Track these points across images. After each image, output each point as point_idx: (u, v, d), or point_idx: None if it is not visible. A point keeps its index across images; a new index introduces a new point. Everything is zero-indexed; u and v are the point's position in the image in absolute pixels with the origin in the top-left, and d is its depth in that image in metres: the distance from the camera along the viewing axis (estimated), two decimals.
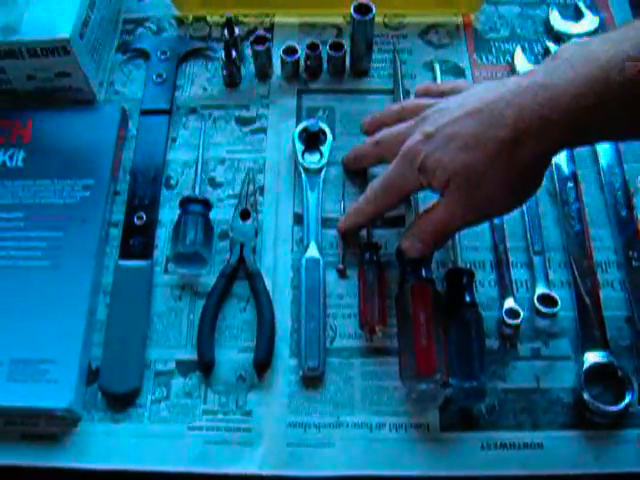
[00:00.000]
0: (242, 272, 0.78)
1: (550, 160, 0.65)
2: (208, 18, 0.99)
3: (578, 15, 0.96)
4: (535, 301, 0.74)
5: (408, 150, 0.69)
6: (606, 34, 0.62)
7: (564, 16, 0.96)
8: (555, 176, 0.83)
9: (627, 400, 0.69)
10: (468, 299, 0.73)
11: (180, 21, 0.99)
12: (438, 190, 0.68)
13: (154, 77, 0.92)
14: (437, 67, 0.92)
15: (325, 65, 0.93)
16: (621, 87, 0.57)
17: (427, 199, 0.81)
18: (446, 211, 0.68)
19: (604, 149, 0.85)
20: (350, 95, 0.91)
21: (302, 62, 0.92)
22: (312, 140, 0.85)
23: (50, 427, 0.71)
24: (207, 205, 0.80)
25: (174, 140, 0.89)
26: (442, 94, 0.74)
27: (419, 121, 0.71)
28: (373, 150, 0.79)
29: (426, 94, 0.79)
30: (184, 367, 0.74)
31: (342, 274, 0.78)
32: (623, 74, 0.56)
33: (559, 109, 0.58)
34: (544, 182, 0.80)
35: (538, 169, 0.65)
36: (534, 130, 0.60)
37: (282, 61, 0.91)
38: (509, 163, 0.62)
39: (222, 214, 0.82)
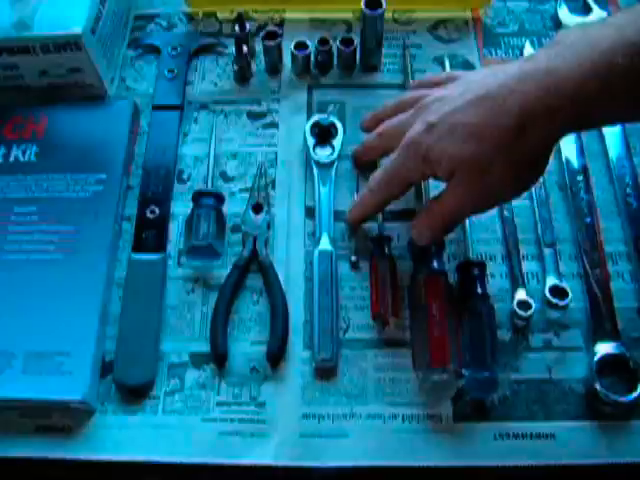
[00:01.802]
0: (255, 265, 0.79)
1: (554, 146, 0.65)
2: (218, 14, 1.00)
3: (586, 10, 0.96)
4: (546, 293, 0.74)
5: (411, 141, 0.68)
6: (607, 18, 0.63)
7: (573, 11, 0.96)
8: (565, 169, 0.83)
9: (638, 391, 0.69)
10: (480, 291, 0.73)
11: (190, 17, 1.00)
12: (444, 179, 0.68)
13: (165, 73, 0.92)
14: (447, 62, 0.92)
15: (335, 60, 0.93)
16: (625, 72, 0.57)
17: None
18: (453, 199, 0.68)
19: (614, 142, 0.85)
20: (360, 90, 0.92)
21: (312, 57, 0.92)
22: (323, 134, 0.85)
23: (64, 419, 0.71)
24: (219, 199, 0.81)
25: (186, 135, 0.89)
26: (437, 84, 0.74)
27: (420, 109, 0.70)
28: (377, 142, 0.79)
29: (421, 86, 0.79)
30: (198, 359, 0.74)
31: (354, 266, 0.78)
32: (627, 59, 0.56)
33: (563, 96, 0.58)
34: (554, 175, 0.82)
35: (542, 155, 0.65)
36: (538, 117, 0.60)
37: (293, 56, 0.91)
38: (514, 151, 0.62)
39: (234, 208, 0.83)
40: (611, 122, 0.70)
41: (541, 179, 0.82)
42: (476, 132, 0.63)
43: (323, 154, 0.84)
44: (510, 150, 0.62)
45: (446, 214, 0.69)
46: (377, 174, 0.75)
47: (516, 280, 0.76)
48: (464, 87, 0.67)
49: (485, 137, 0.62)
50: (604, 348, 0.72)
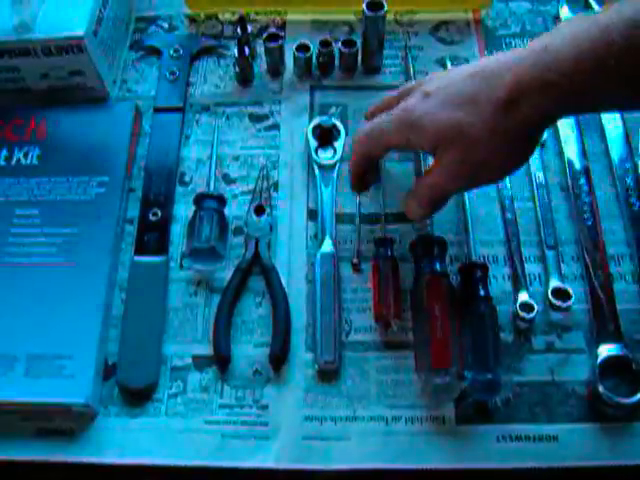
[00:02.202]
0: (257, 267, 0.79)
1: (544, 127, 0.64)
2: (220, 16, 1.00)
3: (588, 10, 0.96)
4: (549, 295, 0.74)
5: (404, 106, 0.68)
6: (608, 4, 0.62)
7: (574, 12, 0.96)
8: (567, 171, 0.83)
9: None
10: (482, 293, 0.73)
11: (192, 19, 1.00)
12: (428, 150, 0.68)
13: (167, 75, 0.93)
14: (448, 63, 0.92)
15: (337, 62, 0.93)
16: (621, 51, 0.56)
17: None
18: (441, 174, 0.67)
19: (616, 144, 0.85)
20: (362, 91, 0.92)
21: (314, 59, 0.92)
22: (325, 136, 0.85)
23: (66, 422, 0.71)
24: (222, 201, 0.81)
25: (187, 137, 0.89)
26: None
27: (419, 84, 0.71)
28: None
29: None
30: (200, 362, 0.74)
31: (356, 268, 0.78)
32: (624, 37, 0.56)
33: (559, 70, 0.58)
34: (556, 177, 0.81)
35: (532, 135, 0.64)
36: (532, 92, 0.59)
37: (294, 58, 0.91)
38: (504, 125, 0.61)
39: (237, 210, 0.83)
40: (606, 106, 0.68)
41: (543, 180, 0.82)
42: (467, 102, 0.63)
43: (325, 156, 0.84)
44: (499, 124, 0.61)
45: (434, 189, 0.69)
46: (363, 126, 0.75)
47: (518, 282, 0.76)
48: (465, 66, 0.68)
49: (475, 107, 0.62)
50: (607, 350, 0.72)
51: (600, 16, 0.58)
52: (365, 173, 0.78)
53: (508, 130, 0.62)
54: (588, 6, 0.96)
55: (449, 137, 0.64)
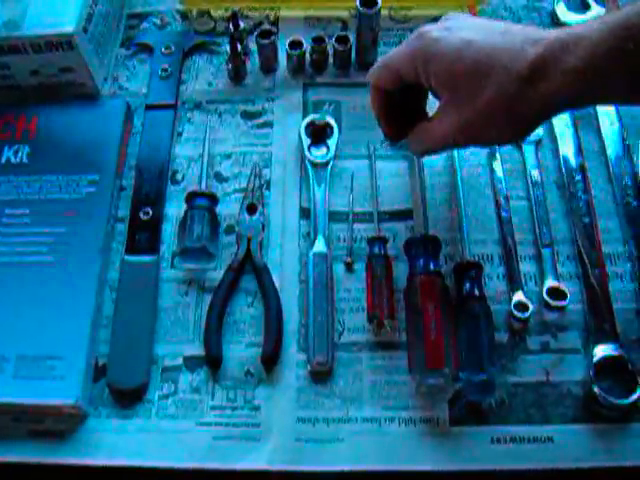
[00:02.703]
0: (249, 267, 0.78)
1: (553, 112, 0.63)
2: (212, 12, 0.99)
3: (584, 7, 0.95)
4: (544, 294, 0.74)
5: (420, 31, 0.65)
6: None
7: (570, 8, 0.95)
8: (563, 168, 0.82)
9: (638, 393, 0.68)
10: (477, 292, 0.72)
11: (184, 15, 0.99)
12: (435, 86, 0.64)
13: (159, 72, 0.92)
14: None
15: (331, 58, 0.92)
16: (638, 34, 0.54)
17: (435, 199, 0.81)
18: (441, 125, 0.65)
19: (612, 141, 0.84)
20: (356, 88, 0.91)
21: (307, 56, 0.91)
22: (318, 134, 0.85)
23: (57, 424, 0.71)
24: (213, 200, 0.80)
25: (179, 135, 0.88)
26: None
27: (444, 20, 0.67)
28: None
29: None
30: (192, 362, 0.73)
31: (349, 268, 0.78)
32: None
33: (578, 54, 0.56)
34: (552, 175, 0.81)
35: (539, 114, 0.61)
36: (550, 72, 0.57)
37: (287, 55, 0.90)
38: (514, 97, 0.59)
39: (228, 209, 0.82)
40: (618, 98, 0.64)
41: (539, 178, 0.81)
42: (483, 61, 0.60)
43: (318, 154, 0.84)
44: (510, 95, 0.59)
45: (435, 139, 0.67)
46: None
47: (513, 281, 0.76)
48: (488, 21, 0.66)
49: (490, 72, 0.59)
50: (602, 350, 0.71)
51: (625, 5, 0.57)
52: (389, 112, 0.74)
53: (518, 103, 0.59)
54: (584, 3, 0.95)
55: (455, 80, 0.62)
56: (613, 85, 0.58)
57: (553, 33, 0.58)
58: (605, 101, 0.72)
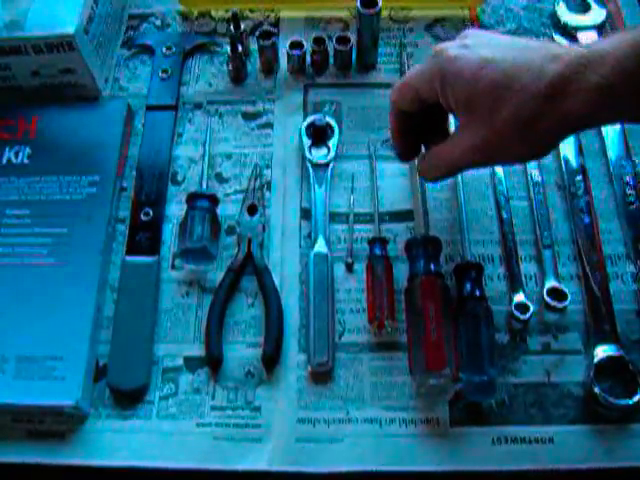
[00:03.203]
0: (250, 267, 0.78)
1: (572, 131, 0.61)
2: (213, 13, 0.99)
3: (585, 7, 0.95)
4: (544, 295, 0.74)
5: (439, 48, 0.63)
6: None
7: (571, 8, 0.95)
8: (564, 169, 0.82)
9: (638, 394, 0.68)
10: (477, 293, 0.72)
11: (185, 16, 0.99)
12: (455, 106, 0.62)
13: (159, 73, 0.92)
14: None
15: (331, 59, 0.92)
16: None
17: (436, 200, 0.81)
18: (458, 146, 0.63)
19: (613, 142, 0.84)
20: (357, 89, 0.91)
21: (308, 56, 0.91)
22: (319, 135, 0.84)
23: (57, 424, 0.71)
24: (214, 201, 0.80)
25: (180, 136, 0.88)
26: None
27: (461, 37, 0.65)
28: None
29: None
30: (192, 363, 0.73)
31: (350, 269, 0.78)
32: None
33: (601, 71, 0.55)
34: (552, 175, 0.81)
35: (559, 133, 0.60)
36: (571, 89, 0.56)
37: (288, 56, 0.90)
38: (533, 116, 0.57)
39: (229, 209, 0.82)
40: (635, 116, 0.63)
41: (539, 179, 0.81)
42: (503, 79, 0.58)
43: (319, 155, 0.84)
44: (530, 112, 0.57)
45: (451, 160, 0.65)
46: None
47: (514, 282, 0.76)
48: (507, 37, 0.64)
49: (511, 89, 0.58)
50: (603, 351, 0.71)
51: None
52: (406, 133, 0.72)
53: (537, 120, 0.57)
54: (585, 3, 0.95)
55: (481, 92, 0.59)
56: (638, 103, 0.57)
57: (573, 50, 0.57)
58: (627, 119, 0.67)
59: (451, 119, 0.73)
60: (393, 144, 0.73)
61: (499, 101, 0.58)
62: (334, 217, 0.81)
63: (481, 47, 0.61)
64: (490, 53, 0.60)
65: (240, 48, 0.89)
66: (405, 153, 0.74)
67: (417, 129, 0.71)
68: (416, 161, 0.73)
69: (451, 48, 0.62)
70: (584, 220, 0.79)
